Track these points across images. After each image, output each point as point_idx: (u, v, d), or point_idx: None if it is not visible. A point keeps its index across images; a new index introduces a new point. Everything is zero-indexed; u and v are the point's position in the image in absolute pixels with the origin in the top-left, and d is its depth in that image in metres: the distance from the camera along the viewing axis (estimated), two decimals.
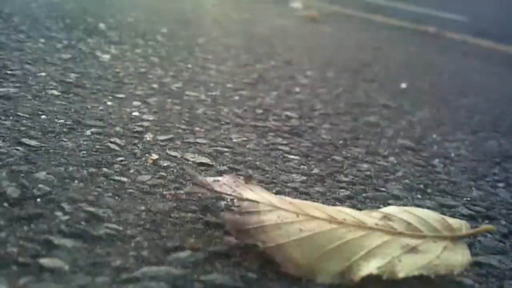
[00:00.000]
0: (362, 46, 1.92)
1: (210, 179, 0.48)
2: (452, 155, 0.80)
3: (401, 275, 0.40)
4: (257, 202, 0.45)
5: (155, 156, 0.59)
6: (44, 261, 0.37)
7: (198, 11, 1.97)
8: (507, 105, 1.29)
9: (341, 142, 0.76)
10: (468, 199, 0.63)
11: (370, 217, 0.47)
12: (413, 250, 0.43)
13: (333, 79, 1.22)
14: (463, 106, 1.18)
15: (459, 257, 0.43)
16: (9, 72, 0.80)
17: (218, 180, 0.48)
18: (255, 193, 0.47)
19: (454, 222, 0.46)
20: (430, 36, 2.80)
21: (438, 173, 0.70)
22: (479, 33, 3.24)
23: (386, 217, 0.47)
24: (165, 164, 0.57)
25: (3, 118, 0.62)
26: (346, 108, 0.96)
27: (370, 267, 0.40)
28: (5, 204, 0.44)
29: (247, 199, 0.45)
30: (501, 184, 0.70)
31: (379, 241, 0.43)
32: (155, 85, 0.88)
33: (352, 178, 0.63)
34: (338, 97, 1.04)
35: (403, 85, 1.29)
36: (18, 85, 0.75)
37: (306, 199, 0.54)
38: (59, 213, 0.44)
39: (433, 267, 0.41)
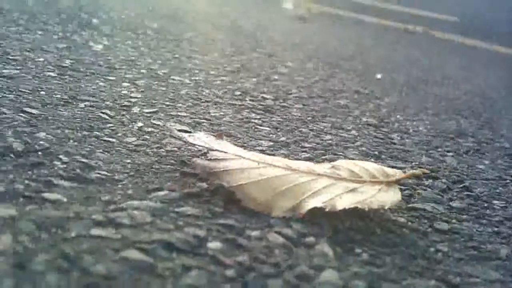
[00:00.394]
0: (346, 43, 2.01)
1: (185, 134, 0.56)
2: (411, 131, 0.88)
3: (339, 207, 0.48)
4: (225, 152, 0.54)
5: (140, 125, 0.67)
6: (46, 195, 0.46)
7: (189, 9, 2.06)
8: (475, 95, 1.38)
9: (309, 118, 0.85)
10: (417, 163, 0.72)
11: (321, 167, 0.55)
12: (353, 190, 0.51)
13: (312, 69, 1.31)
14: (433, 94, 1.26)
15: (391, 196, 0.51)
16: (10, 57, 0.88)
17: (193, 135, 0.56)
18: (223, 146, 0.55)
19: (390, 170, 0.55)
20: (418, 35, 2.90)
21: (394, 144, 0.79)
22: (467, 33, 3.33)
23: (334, 167, 0.55)
24: (148, 130, 0.66)
25: (7, 92, 0.70)
26: (319, 93, 1.05)
27: (315, 202, 0.49)
28: (11, 155, 0.52)
29: (216, 150, 0.54)
30: (450, 154, 0.79)
31: (325, 184, 0.52)
32: (143, 71, 0.96)
33: (315, 145, 0.72)
34: (314, 84, 1.13)
35: (379, 76, 1.38)
36: (19, 67, 0.83)
37: None
38: (57, 163, 0.52)
39: (367, 202, 0.50)
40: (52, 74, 0.83)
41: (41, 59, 0.91)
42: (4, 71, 0.80)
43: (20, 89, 0.73)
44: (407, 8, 4.63)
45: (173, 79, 0.94)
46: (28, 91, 0.72)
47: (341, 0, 4.41)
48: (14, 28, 1.12)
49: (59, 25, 1.23)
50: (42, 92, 0.73)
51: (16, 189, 0.46)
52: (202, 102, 0.83)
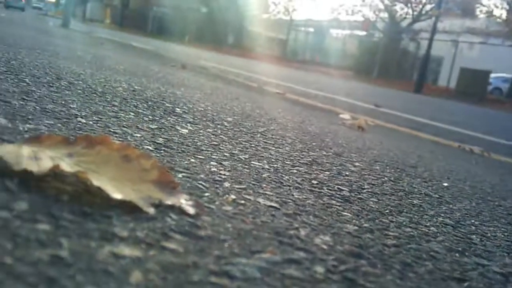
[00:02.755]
0: (406, 153, 2.05)
1: None
2: (489, 235, 0.88)
3: None
4: None
5: (233, 197, 0.72)
6: (164, 244, 0.49)
7: (257, 110, 2.18)
8: None
9: (387, 211, 0.87)
10: (502, 263, 0.71)
11: None
12: None
13: (379, 171, 1.34)
14: (502, 206, 1.26)
15: None
16: (111, 130, 0.97)
17: None
18: None
19: None
20: (474, 155, 2.90)
21: (475, 244, 0.79)
22: None
23: None
24: (242, 202, 0.70)
25: None
26: (391, 191, 1.07)
27: None
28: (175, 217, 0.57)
29: None
30: None
31: None
32: (226, 154, 1.03)
33: (398, 235, 0.73)
34: (384, 183, 1.16)
35: (445, 184, 1.39)
36: (120, 139, 0.91)
37: (358, 241, 0.65)
38: (168, 219, 0.56)
39: None
40: (150, 147, 0.90)
41: (138, 135, 0.99)
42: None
43: None
44: (460, 128, 4.68)
45: (253, 164, 1.00)
46: None
47: (395, 116, 4.53)
48: (110, 107, 1.23)
49: (148, 110, 1.34)
50: None
51: (137, 236, 0.50)
52: (284, 185, 0.87)
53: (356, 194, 0.95)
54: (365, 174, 1.21)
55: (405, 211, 0.91)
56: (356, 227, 0.72)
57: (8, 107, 0.94)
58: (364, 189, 1.03)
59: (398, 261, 0.62)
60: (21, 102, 1.01)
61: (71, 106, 1.12)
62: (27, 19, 6.79)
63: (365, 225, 0.74)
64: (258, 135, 1.41)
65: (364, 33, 24.88)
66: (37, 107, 1.01)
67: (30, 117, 0.91)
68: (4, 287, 0.35)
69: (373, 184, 1.11)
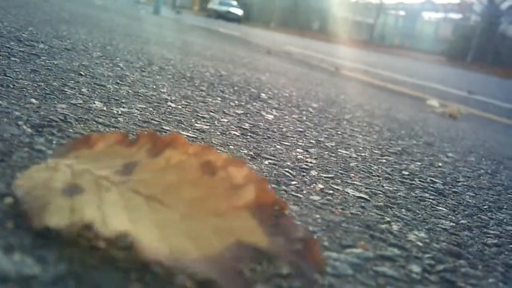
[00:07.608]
0: (504, 144, 1.91)
1: None
2: None
3: None
4: None
5: (321, 186, 0.70)
6: None
7: (342, 96, 2.13)
8: None
9: (485, 207, 0.81)
10: None
11: None
12: None
13: (475, 163, 1.25)
14: None
15: None
16: (199, 115, 0.98)
17: None
18: None
19: None
20: None
21: None
22: None
23: None
24: (330, 192, 0.68)
25: (202, 143, 0.77)
26: (489, 186, 1.00)
27: None
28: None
29: None
30: None
31: None
32: (312, 141, 1.01)
33: (499, 233, 0.67)
34: (480, 176, 1.08)
35: None
36: (208, 124, 0.92)
37: (456, 239, 0.61)
38: None
39: None
40: (236, 133, 0.90)
41: (225, 120, 0.99)
42: (196, 124, 0.89)
43: (212, 141, 0.80)
44: None
45: (340, 152, 0.97)
46: (220, 145, 0.79)
47: (491, 105, 4.25)
48: (198, 92, 1.25)
49: (234, 95, 1.35)
50: (231, 147, 0.79)
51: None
52: (373, 175, 0.84)
53: (450, 187, 0.89)
54: (460, 166, 1.14)
55: (505, 207, 0.84)
56: (452, 224, 0.67)
57: (103, 90, 0.98)
58: (459, 182, 0.97)
59: (500, 262, 0.57)
60: (116, 86, 1.05)
61: (162, 90, 1.15)
62: (121, 6, 7.13)
63: (462, 221, 0.69)
64: (344, 122, 1.37)
65: (459, 16, 23.51)
66: (130, 91, 1.04)
67: (123, 100, 0.94)
68: None
69: (468, 177, 1.04)
